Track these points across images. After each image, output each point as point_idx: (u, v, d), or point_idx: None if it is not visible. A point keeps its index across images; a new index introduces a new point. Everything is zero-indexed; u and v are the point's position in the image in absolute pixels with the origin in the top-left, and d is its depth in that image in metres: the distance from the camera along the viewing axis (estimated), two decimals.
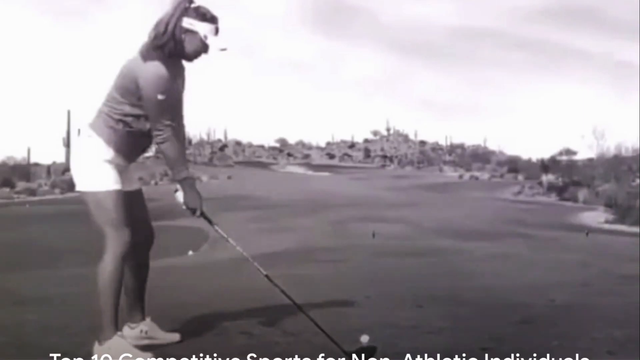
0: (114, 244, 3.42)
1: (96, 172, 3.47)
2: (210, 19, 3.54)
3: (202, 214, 3.65)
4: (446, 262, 10.17)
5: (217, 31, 3.55)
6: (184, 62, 3.64)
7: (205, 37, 3.52)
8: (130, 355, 3.34)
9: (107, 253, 3.42)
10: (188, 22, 3.50)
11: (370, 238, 15.85)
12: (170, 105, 3.46)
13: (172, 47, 3.49)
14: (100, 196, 3.44)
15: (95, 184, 3.46)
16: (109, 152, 3.49)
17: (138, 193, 3.74)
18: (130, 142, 3.52)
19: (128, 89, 3.45)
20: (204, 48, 3.55)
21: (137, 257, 3.69)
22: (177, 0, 3.52)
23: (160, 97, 3.40)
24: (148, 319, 3.76)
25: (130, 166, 3.63)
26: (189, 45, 3.53)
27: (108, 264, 3.40)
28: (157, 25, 3.51)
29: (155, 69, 3.42)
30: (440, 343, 3.89)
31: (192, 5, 3.53)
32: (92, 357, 3.39)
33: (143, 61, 3.44)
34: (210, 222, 3.72)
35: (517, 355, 3.65)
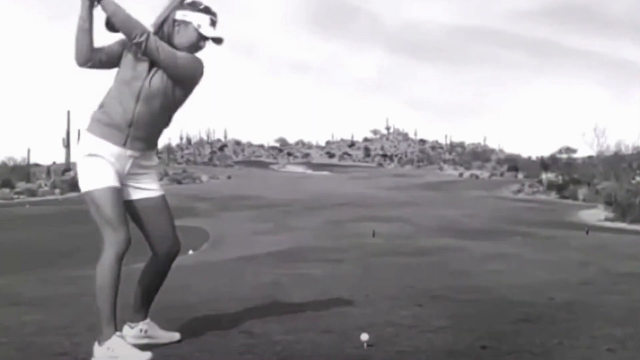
0: (111, 243, 3.38)
1: (91, 171, 3.44)
2: (204, 9, 3.54)
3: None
4: (446, 261, 10.17)
5: (213, 23, 3.54)
6: None
7: (199, 25, 3.50)
8: (130, 355, 3.33)
9: (104, 252, 3.39)
10: (181, 14, 3.51)
11: (370, 237, 15.84)
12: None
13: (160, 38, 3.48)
14: (95, 194, 3.41)
15: (91, 183, 3.43)
16: (97, 145, 3.47)
17: (158, 200, 3.67)
18: None
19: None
20: (199, 40, 3.53)
21: (158, 266, 3.68)
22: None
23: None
24: (148, 319, 3.76)
25: None
26: (183, 37, 3.51)
27: (105, 263, 3.38)
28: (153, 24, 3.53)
29: None
30: (440, 342, 3.89)
31: (187, 1, 3.54)
32: (92, 358, 3.38)
33: None
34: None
35: (517, 354, 3.65)
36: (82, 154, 3.48)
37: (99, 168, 3.44)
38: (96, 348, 3.38)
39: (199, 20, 3.51)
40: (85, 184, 3.46)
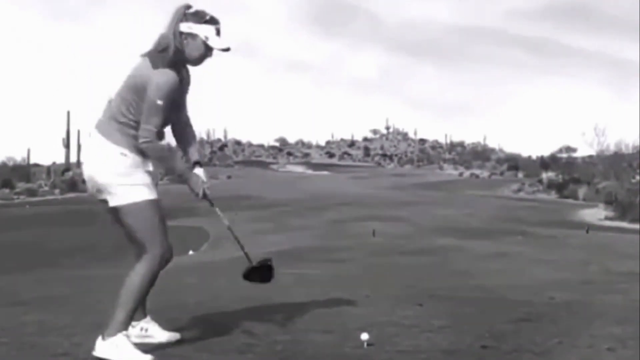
0: (156, 255, 3.44)
1: (142, 182, 3.47)
2: (210, 20, 3.52)
3: (205, 196, 3.66)
4: (446, 260, 10.19)
5: (218, 32, 3.54)
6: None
7: (207, 38, 3.50)
8: (132, 357, 3.33)
9: (146, 262, 3.43)
10: (186, 27, 3.48)
11: (370, 237, 15.85)
12: (165, 112, 3.45)
13: (172, 54, 3.47)
14: (150, 205, 3.46)
15: (142, 194, 3.45)
16: (145, 163, 3.50)
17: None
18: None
19: (139, 91, 3.45)
20: (207, 50, 3.54)
21: None
22: (174, 9, 3.52)
23: (159, 102, 3.39)
24: (148, 317, 3.76)
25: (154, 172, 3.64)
26: (192, 50, 3.51)
27: (144, 272, 3.42)
28: (160, 36, 3.51)
29: (166, 76, 3.41)
30: (441, 342, 3.88)
31: (190, 11, 3.53)
32: (93, 352, 3.38)
33: (153, 67, 3.42)
34: (211, 203, 3.72)
35: (518, 353, 3.65)
36: (130, 166, 3.46)
37: (147, 181, 3.50)
38: (99, 342, 3.38)
39: (206, 32, 3.50)
40: (136, 195, 3.45)
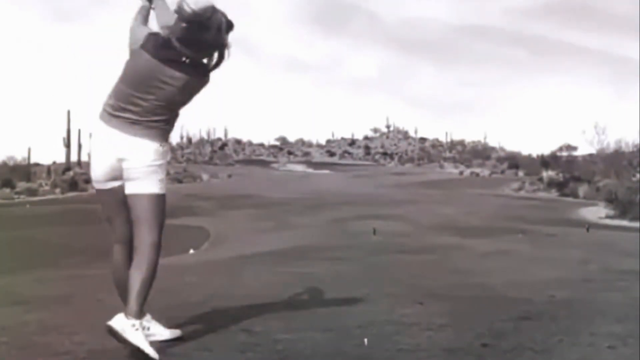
0: (159, 245, 3.56)
1: (160, 177, 3.59)
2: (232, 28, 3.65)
3: None
4: (447, 259, 10.18)
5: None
6: None
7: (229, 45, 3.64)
8: (144, 345, 3.36)
9: (151, 252, 3.53)
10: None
11: (371, 235, 15.84)
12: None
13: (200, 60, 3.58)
14: (161, 198, 3.59)
15: (163, 187, 3.61)
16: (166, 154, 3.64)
17: None
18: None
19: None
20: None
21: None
22: (211, 11, 3.51)
23: None
24: (149, 316, 3.77)
25: None
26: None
27: (153, 261, 3.52)
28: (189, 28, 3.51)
29: None
30: (441, 340, 3.89)
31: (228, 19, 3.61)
32: (109, 322, 3.38)
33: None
34: None
35: (518, 351, 3.65)
36: (165, 159, 3.62)
37: (164, 174, 3.64)
38: (120, 317, 3.39)
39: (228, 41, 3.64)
40: (162, 188, 3.61)
